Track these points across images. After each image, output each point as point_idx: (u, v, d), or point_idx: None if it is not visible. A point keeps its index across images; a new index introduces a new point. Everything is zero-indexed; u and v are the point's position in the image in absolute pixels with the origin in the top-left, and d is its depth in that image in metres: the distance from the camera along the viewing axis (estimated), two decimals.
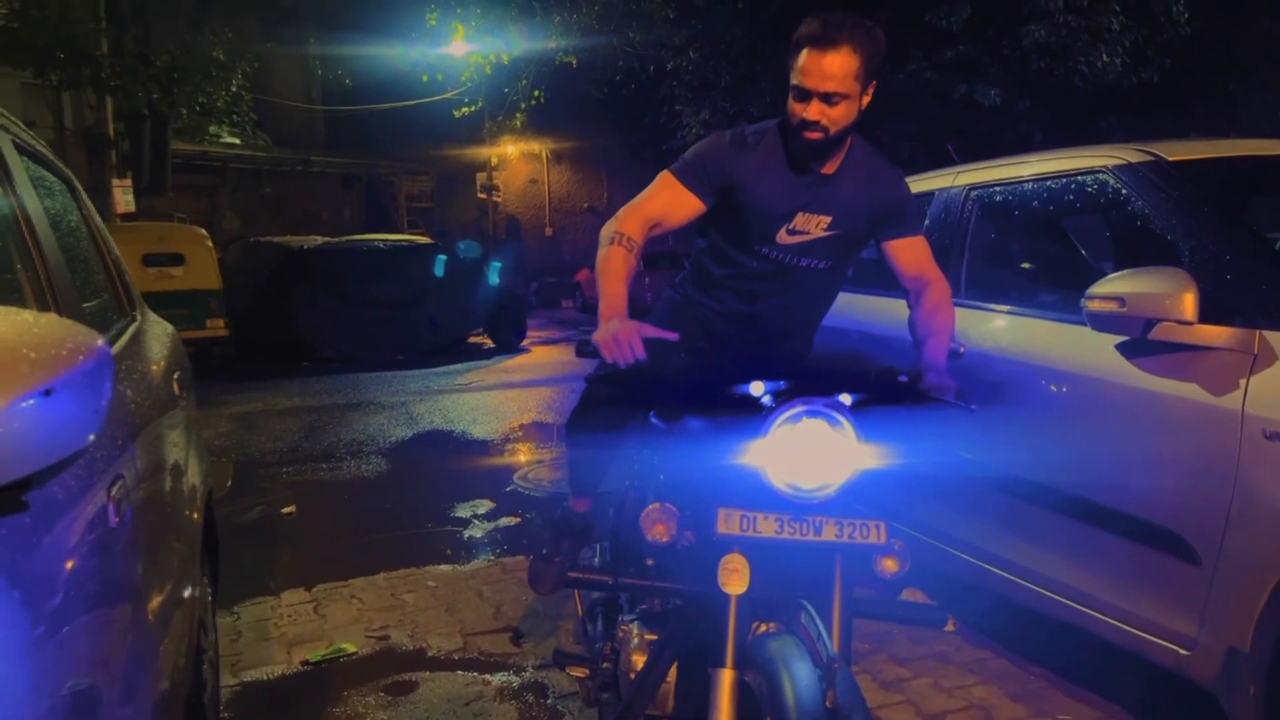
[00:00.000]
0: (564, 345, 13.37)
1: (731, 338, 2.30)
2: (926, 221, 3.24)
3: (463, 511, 4.73)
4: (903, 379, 1.86)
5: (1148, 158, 2.51)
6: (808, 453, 1.60)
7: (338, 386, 9.49)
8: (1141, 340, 2.19)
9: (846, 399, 1.69)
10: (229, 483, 5.55)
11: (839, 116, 1.94)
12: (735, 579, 1.59)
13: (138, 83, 11.92)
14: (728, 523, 1.60)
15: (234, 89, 14.02)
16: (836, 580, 1.64)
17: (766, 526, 1.60)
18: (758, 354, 2.18)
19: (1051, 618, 2.53)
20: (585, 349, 1.83)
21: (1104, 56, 11.62)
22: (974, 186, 3.11)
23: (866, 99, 1.98)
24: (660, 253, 16.71)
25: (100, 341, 0.90)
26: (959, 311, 2.95)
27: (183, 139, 15.70)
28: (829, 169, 2.08)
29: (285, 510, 4.90)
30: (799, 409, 1.61)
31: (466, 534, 4.38)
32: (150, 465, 1.71)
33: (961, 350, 2.84)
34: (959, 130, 12.70)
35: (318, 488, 5.43)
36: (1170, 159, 2.48)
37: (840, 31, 1.89)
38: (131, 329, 2.08)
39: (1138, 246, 2.65)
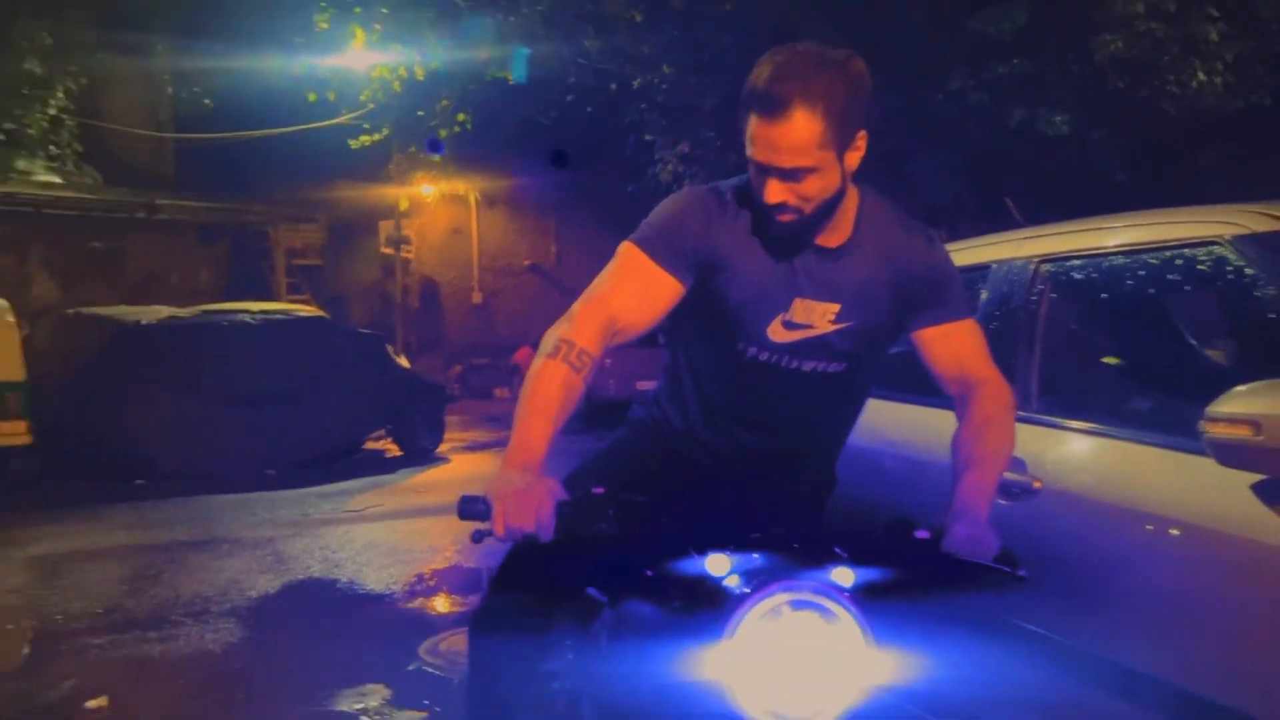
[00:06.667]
0: (497, 451, 13.26)
1: (717, 475, 2.22)
2: (982, 304, 3.22)
3: (346, 703, 4.57)
4: (921, 535, 1.77)
5: (1278, 224, 2.50)
6: (793, 662, 1.50)
7: (181, 516, 9.32)
8: None
9: (847, 576, 1.59)
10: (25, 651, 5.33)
11: (812, 192, 1.93)
12: None
13: None
14: None
15: (53, 111, 14.03)
16: None
17: None
18: (726, 502, 2.08)
19: None
20: (470, 509, 1.71)
21: (1200, 75, 12.00)
22: (1045, 259, 3.09)
23: (856, 155, 1.96)
24: None
25: None
26: (1030, 430, 2.92)
27: None
28: (833, 240, 2.07)
29: (93, 704, 4.70)
30: (779, 597, 1.52)
31: None
32: None
33: (1036, 485, 2.79)
34: (1017, 166, 12.99)
35: (142, 668, 5.23)
36: None
37: (791, 92, 1.84)
38: None
39: (1271, 345, 2.61)
